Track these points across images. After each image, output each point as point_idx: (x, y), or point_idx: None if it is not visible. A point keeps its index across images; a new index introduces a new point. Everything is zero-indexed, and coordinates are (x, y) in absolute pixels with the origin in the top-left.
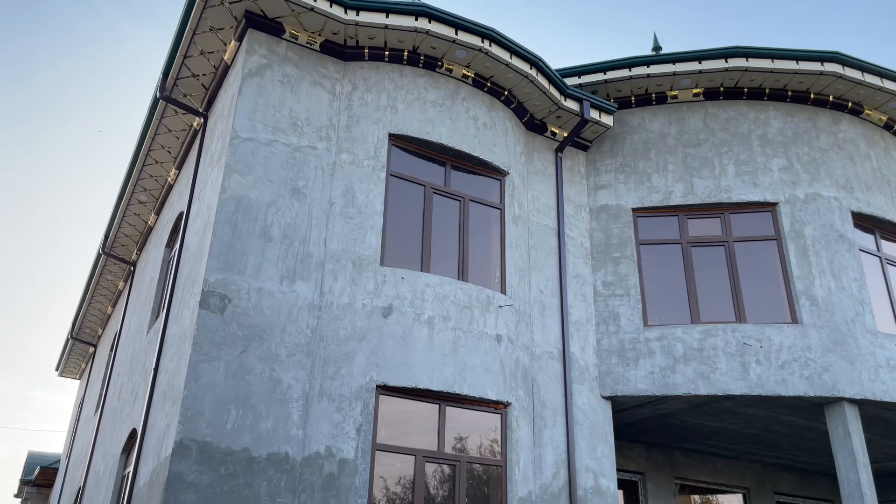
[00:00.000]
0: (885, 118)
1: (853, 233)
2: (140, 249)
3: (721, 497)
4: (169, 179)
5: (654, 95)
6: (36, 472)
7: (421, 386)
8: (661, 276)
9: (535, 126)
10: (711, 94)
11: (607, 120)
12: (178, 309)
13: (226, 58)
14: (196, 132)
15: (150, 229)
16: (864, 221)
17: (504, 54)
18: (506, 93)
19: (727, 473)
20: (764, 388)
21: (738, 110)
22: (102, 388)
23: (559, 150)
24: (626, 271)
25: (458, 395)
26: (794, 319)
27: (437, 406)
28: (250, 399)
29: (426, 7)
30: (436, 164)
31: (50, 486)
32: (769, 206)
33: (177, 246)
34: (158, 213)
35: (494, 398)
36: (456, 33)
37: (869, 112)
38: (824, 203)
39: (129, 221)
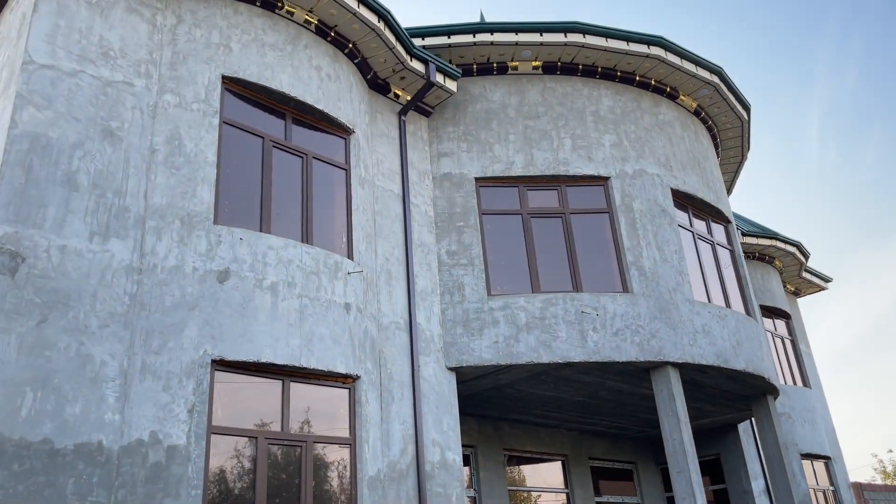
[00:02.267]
0: (695, 104)
1: (672, 209)
2: None
3: (543, 465)
4: None
5: (495, 65)
6: None
7: (264, 360)
8: (503, 246)
9: (378, 86)
10: (549, 69)
11: (451, 85)
12: None
13: None
14: None
15: None
16: (680, 199)
17: (352, 1)
18: (350, 45)
19: (549, 442)
20: (601, 355)
21: (574, 86)
22: None
23: (402, 112)
24: (469, 241)
25: (305, 368)
26: (626, 289)
27: (280, 382)
28: (52, 379)
29: None
30: (275, 116)
31: None
32: (602, 181)
33: None
34: None
35: (344, 371)
36: None
37: (683, 98)
38: (649, 179)
39: None
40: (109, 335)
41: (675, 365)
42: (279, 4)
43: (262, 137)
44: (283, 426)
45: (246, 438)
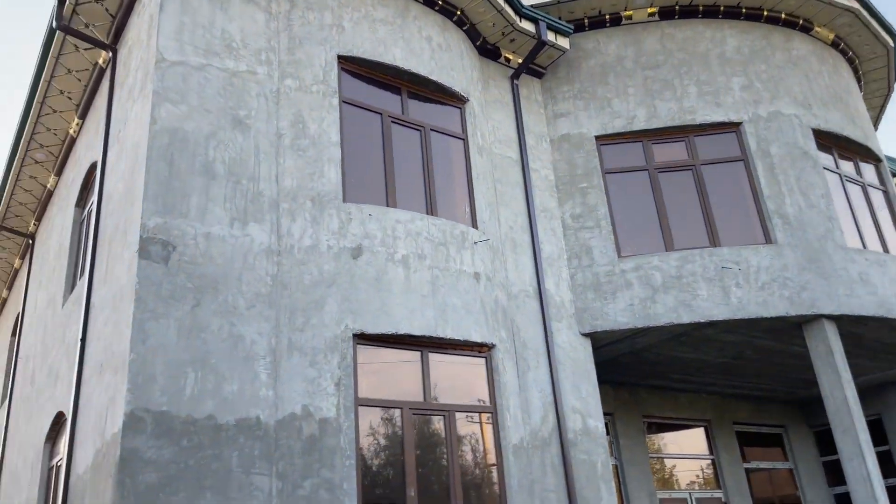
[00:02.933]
0: (832, 35)
1: (815, 150)
2: (39, 219)
3: (685, 432)
4: (71, 131)
5: (607, 17)
6: None
7: (402, 332)
8: (630, 204)
9: (487, 52)
10: (666, 14)
11: (564, 43)
12: (105, 269)
13: None
14: (102, 71)
15: (51, 193)
16: (823, 139)
17: None
18: (458, 12)
19: (689, 407)
20: (746, 311)
21: (695, 30)
22: (6, 378)
23: (515, 76)
24: (594, 202)
25: (441, 339)
26: (768, 240)
27: (418, 353)
28: (209, 359)
29: None
30: (390, 91)
31: None
32: (733, 127)
33: (93, 202)
34: (59, 173)
35: (479, 340)
36: None
37: (818, 29)
38: (786, 121)
39: (25, 186)
40: (256, 315)
41: (830, 318)
42: None
43: (380, 113)
44: (425, 396)
45: (391, 409)
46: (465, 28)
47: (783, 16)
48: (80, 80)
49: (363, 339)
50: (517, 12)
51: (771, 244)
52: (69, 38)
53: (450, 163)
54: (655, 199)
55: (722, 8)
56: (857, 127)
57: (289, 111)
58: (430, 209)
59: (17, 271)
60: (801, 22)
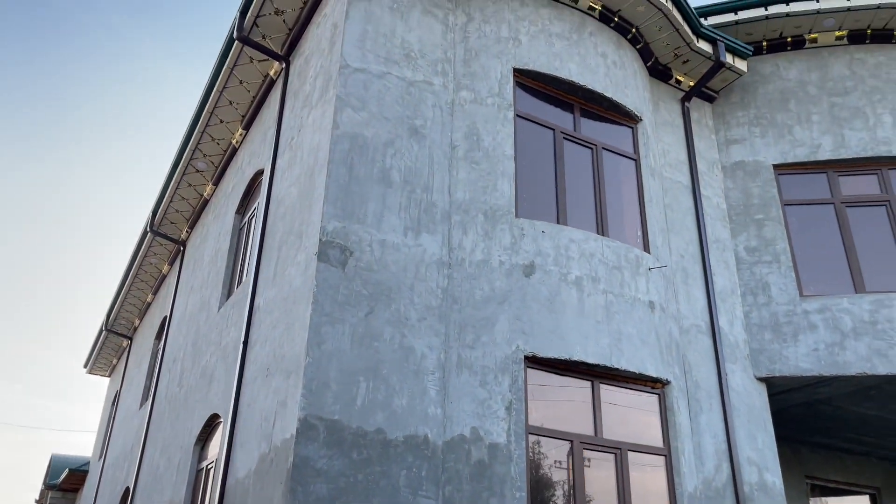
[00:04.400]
0: None
1: None
2: (192, 227)
3: (849, 498)
4: (234, 141)
5: (789, 39)
6: (64, 475)
7: (575, 358)
8: (813, 240)
9: (658, 73)
10: (856, 39)
11: (741, 65)
12: (273, 272)
13: None
14: (272, 82)
15: (206, 202)
16: None
17: None
18: (633, 30)
19: (856, 472)
20: None
21: (889, 55)
22: (149, 379)
23: (686, 99)
24: (771, 235)
25: (615, 369)
26: None
27: (589, 383)
28: (381, 369)
29: None
30: (563, 107)
31: (75, 490)
32: None
33: (255, 208)
34: (217, 182)
35: (654, 375)
36: None
37: None
38: None
39: (182, 194)
40: (427, 328)
41: None
42: None
43: (553, 129)
44: (595, 430)
45: (561, 441)
46: (638, 47)
47: None
48: (248, 91)
49: (534, 362)
50: (695, 31)
51: None
52: (246, 49)
53: (621, 183)
54: (843, 236)
55: None
56: None
57: (463, 123)
58: (602, 230)
59: (164, 277)
60: None
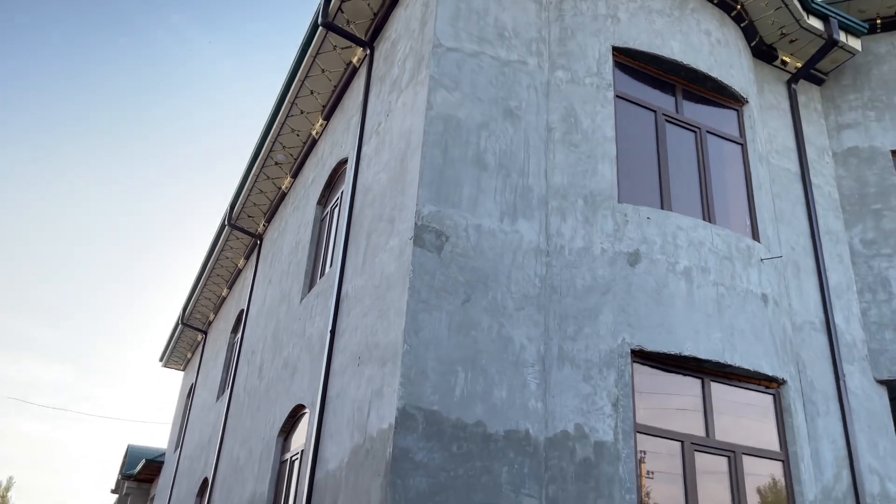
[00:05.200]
0: None
1: None
2: (269, 220)
3: None
4: (314, 133)
5: None
6: (140, 465)
7: (686, 353)
8: None
9: (761, 53)
10: None
11: (855, 44)
12: (362, 260)
13: None
14: (355, 70)
15: (284, 195)
16: None
17: None
18: (738, 7)
19: None
20: None
21: None
22: (226, 372)
23: (793, 81)
24: (891, 226)
25: (728, 366)
26: None
27: (699, 380)
28: (479, 360)
29: None
30: (664, 89)
31: (150, 480)
32: None
33: (338, 197)
34: (296, 175)
35: (769, 373)
36: None
37: None
38: None
39: (260, 187)
40: (525, 318)
41: None
42: None
43: (654, 111)
44: (707, 431)
45: (671, 441)
46: (742, 25)
47: None
48: (330, 80)
49: (641, 356)
50: (805, 7)
51: None
52: (329, 37)
53: (726, 169)
54: None
55: None
56: None
57: (559, 104)
58: (709, 217)
59: (240, 271)
60: None
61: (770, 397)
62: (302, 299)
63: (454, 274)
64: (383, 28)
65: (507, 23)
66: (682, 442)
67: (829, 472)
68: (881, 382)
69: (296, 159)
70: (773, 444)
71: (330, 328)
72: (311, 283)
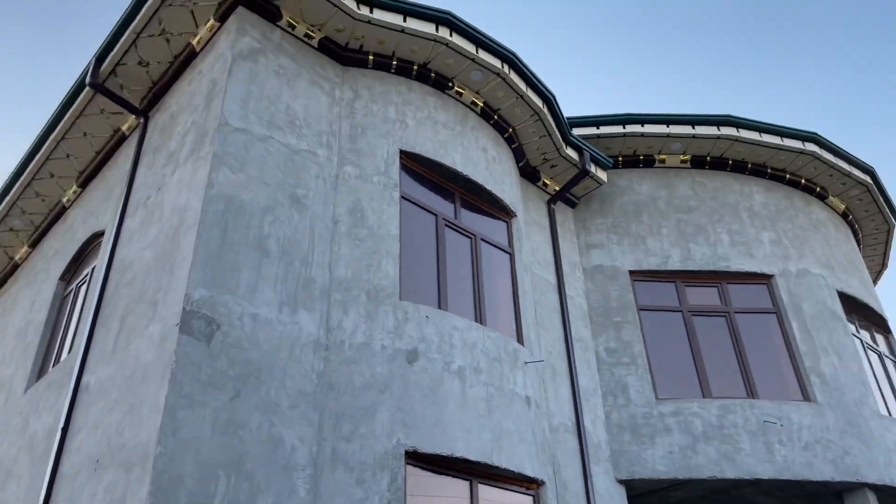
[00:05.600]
0: (843, 206)
1: (842, 313)
2: None
3: None
4: (64, 200)
5: (642, 157)
6: None
7: (457, 454)
8: (665, 344)
9: (527, 174)
10: (698, 163)
11: (603, 176)
12: (113, 346)
13: (194, 42)
14: (123, 137)
15: (16, 266)
16: (845, 303)
17: (521, 84)
18: (510, 130)
19: None
20: (791, 472)
21: (724, 181)
22: None
23: (552, 201)
24: (629, 338)
25: (495, 468)
26: (807, 397)
27: (468, 482)
28: (245, 463)
29: (451, 16)
30: (444, 195)
31: None
32: (765, 279)
33: (89, 274)
34: (34, 244)
35: (531, 475)
36: (476, 51)
37: (832, 199)
38: (814, 280)
39: None
40: (299, 416)
41: (873, 487)
42: (450, 84)
43: (436, 215)
44: None
45: None
46: (513, 146)
47: (803, 181)
48: (92, 145)
49: (415, 458)
50: (564, 138)
51: (811, 402)
52: (97, 99)
53: (496, 276)
54: (690, 342)
55: (749, 165)
56: (871, 296)
57: (347, 198)
58: (480, 319)
59: None
60: (818, 189)
61: (530, 499)
62: (27, 389)
63: (224, 366)
64: (163, 98)
65: (298, 112)
66: None
67: None
68: (621, 482)
69: (37, 227)
70: None
71: (62, 425)
72: (40, 371)
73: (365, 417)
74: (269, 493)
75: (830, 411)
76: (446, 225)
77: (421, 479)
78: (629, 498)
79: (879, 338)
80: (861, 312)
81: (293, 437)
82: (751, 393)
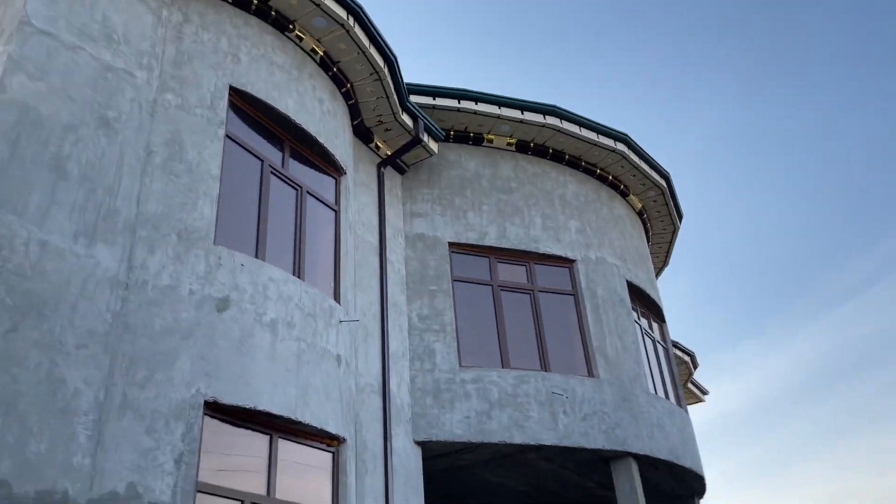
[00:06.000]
0: (640, 205)
1: (629, 300)
2: None
3: None
4: None
5: (471, 135)
6: None
7: (261, 407)
8: (474, 316)
9: (360, 134)
10: (522, 148)
11: (434, 146)
12: None
13: None
14: None
15: None
16: (632, 292)
17: (364, 39)
18: (348, 85)
19: None
20: (570, 440)
21: (543, 168)
22: None
23: (382, 165)
24: (441, 306)
25: (299, 423)
26: (591, 373)
27: (267, 437)
28: (17, 404)
29: None
30: (273, 142)
31: None
32: (568, 263)
33: None
34: None
35: (334, 431)
36: None
37: (632, 197)
38: (609, 269)
39: None
40: (87, 358)
41: (637, 457)
42: (290, 27)
43: (262, 160)
44: (269, 490)
45: (231, 501)
46: (349, 103)
47: (611, 177)
48: None
49: (214, 409)
50: (401, 103)
51: (593, 378)
52: None
53: (320, 232)
54: (496, 315)
55: (567, 156)
56: (653, 289)
57: (165, 128)
58: (299, 274)
59: None
60: (621, 186)
61: (330, 455)
62: None
63: (1, 295)
64: None
65: (117, 25)
66: (242, 501)
67: None
68: (418, 443)
69: None
70: (327, 502)
71: None
72: None
73: (163, 364)
74: (42, 438)
75: (609, 387)
76: (272, 173)
77: (219, 431)
78: (424, 460)
79: (655, 326)
80: (643, 302)
81: (78, 379)
82: (544, 366)
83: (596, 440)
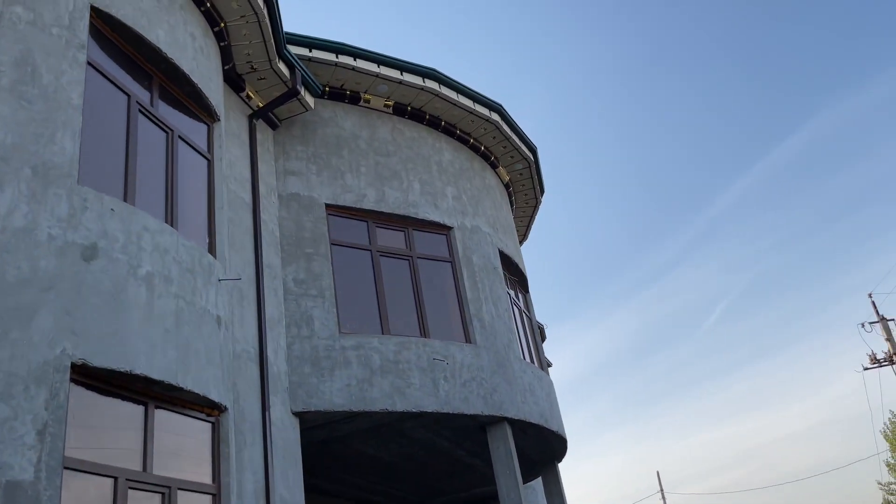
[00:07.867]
0: (508, 177)
1: (501, 268)
2: None
3: None
4: None
5: (348, 93)
6: None
7: (138, 371)
8: (352, 281)
9: (232, 81)
10: (399, 111)
11: (311, 101)
12: None
13: None
14: None
15: None
16: (503, 261)
17: None
18: (222, 25)
19: None
20: (451, 406)
21: (420, 133)
22: None
23: (254, 116)
24: (319, 270)
25: (179, 389)
26: (468, 339)
27: (142, 406)
28: None
29: None
30: (141, 78)
31: None
32: (445, 230)
33: None
34: None
35: (216, 399)
36: None
37: (501, 168)
38: (483, 237)
39: None
40: None
41: (510, 421)
42: None
43: (129, 95)
44: (145, 465)
45: (104, 478)
46: (222, 45)
47: (482, 148)
48: None
49: (83, 373)
50: (279, 51)
51: (471, 344)
52: None
53: (192, 181)
54: (376, 281)
55: (443, 123)
56: (520, 259)
57: (14, 46)
58: (173, 224)
59: None
60: (492, 158)
61: (209, 426)
62: None
63: None
64: None
65: None
66: (115, 478)
67: None
68: (296, 414)
69: None
70: (207, 477)
71: None
72: None
73: (19, 320)
74: None
75: (486, 353)
76: (140, 111)
77: (86, 399)
78: (302, 430)
79: (521, 295)
80: (511, 271)
81: None
82: (424, 332)
83: (475, 405)
